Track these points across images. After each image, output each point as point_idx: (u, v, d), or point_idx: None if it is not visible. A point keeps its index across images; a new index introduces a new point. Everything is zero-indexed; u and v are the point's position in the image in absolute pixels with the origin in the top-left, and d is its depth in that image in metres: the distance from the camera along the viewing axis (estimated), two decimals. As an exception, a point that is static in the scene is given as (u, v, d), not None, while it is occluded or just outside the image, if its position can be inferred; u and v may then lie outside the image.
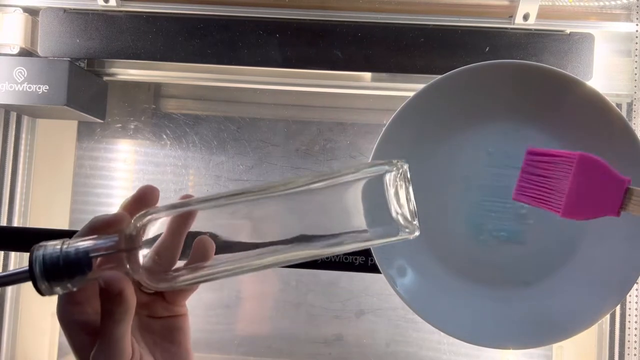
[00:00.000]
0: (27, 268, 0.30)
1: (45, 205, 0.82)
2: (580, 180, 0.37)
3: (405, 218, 0.32)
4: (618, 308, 0.71)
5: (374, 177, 0.32)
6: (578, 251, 0.51)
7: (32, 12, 0.71)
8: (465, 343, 0.48)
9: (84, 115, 0.75)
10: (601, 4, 0.69)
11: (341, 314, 0.80)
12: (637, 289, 0.68)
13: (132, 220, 0.31)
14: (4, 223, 0.80)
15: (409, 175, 0.32)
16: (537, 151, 0.42)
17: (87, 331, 0.30)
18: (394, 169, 0.32)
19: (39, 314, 0.81)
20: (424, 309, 0.49)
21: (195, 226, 0.33)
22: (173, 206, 0.32)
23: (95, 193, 0.82)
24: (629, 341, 0.68)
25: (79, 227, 0.31)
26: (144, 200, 0.33)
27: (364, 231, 0.33)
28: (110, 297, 0.28)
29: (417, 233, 0.32)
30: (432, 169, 0.51)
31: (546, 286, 0.51)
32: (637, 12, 0.70)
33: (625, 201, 0.36)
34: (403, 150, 0.50)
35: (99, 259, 0.30)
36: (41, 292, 0.30)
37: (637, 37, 0.69)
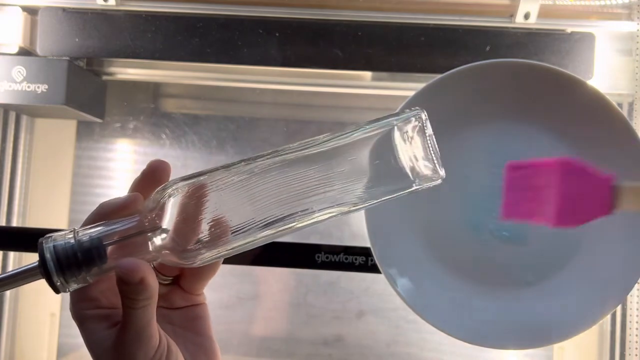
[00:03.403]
0: (37, 264, 0.27)
1: (44, 205, 0.82)
2: (566, 186, 0.36)
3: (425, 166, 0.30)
4: (619, 308, 0.71)
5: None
6: (579, 251, 0.50)
7: (31, 11, 0.71)
8: (465, 343, 0.48)
9: (83, 115, 0.75)
10: (602, 3, 0.69)
11: (341, 315, 0.79)
12: (637, 289, 0.68)
13: (152, 197, 0.28)
14: (3, 223, 0.80)
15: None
16: (519, 164, 0.40)
17: (105, 325, 0.29)
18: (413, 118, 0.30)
19: (38, 314, 0.81)
20: (424, 309, 0.48)
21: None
22: (192, 176, 0.28)
23: (94, 193, 0.82)
24: (629, 341, 0.68)
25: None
26: (155, 176, 0.30)
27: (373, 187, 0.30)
28: (131, 286, 0.26)
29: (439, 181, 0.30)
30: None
31: (547, 286, 0.51)
32: (638, 12, 0.69)
33: (615, 199, 0.35)
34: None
35: (110, 246, 0.27)
36: (56, 289, 0.27)
37: (638, 36, 0.69)
